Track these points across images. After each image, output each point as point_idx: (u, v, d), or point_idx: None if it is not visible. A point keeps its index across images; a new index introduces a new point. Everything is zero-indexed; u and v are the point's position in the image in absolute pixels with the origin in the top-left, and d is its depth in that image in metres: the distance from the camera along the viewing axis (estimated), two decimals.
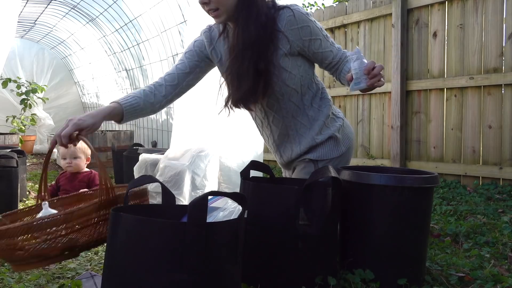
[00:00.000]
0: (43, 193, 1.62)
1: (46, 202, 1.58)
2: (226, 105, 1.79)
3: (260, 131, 2.03)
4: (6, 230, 1.33)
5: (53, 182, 2.93)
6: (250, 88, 1.68)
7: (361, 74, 1.52)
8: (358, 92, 4.58)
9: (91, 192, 2.00)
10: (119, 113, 1.67)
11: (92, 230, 1.41)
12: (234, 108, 1.78)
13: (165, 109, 5.58)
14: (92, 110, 8.63)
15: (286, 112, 1.83)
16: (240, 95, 1.71)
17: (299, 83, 1.78)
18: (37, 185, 4.31)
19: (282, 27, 1.67)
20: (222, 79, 1.89)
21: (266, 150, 4.12)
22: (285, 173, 2.12)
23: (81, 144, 2.85)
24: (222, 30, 1.79)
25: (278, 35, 1.67)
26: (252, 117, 1.99)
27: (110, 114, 1.64)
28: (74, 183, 2.78)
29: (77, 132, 1.52)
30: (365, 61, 1.53)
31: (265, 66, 1.67)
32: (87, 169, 2.91)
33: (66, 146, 1.52)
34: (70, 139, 1.50)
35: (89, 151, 2.90)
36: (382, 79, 1.53)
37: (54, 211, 1.54)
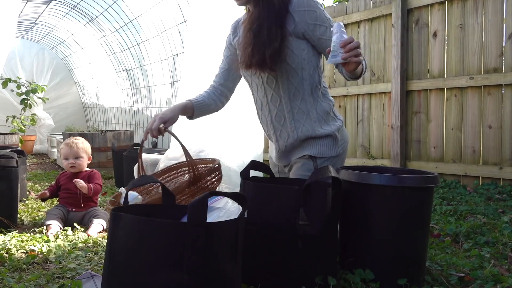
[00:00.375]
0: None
1: (123, 188, 1.76)
2: (247, 67, 1.84)
3: (259, 116, 2.03)
4: None
5: (53, 183, 2.94)
6: (275, 50, 1.74)
7: (338, 48, 1.51)
8: (358, 92, 4.59)
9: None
10: (191, 109, 1.94)
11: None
12: (249, 69, 1.86)
13: (164, 109, 5.58)
14: (92, 110, 8.59)
15: (284, 91, 1.86)
16: (257, 61, 1.77)
17: (300, 65, 1.82)
18: (37, 185, 4.31)
19: (290, 8, 1.77)
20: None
21: (266, 150, 4.12)
22: (278, 174, 2.12)
23: (83, 145, 2.85)
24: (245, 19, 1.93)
25: (287, 15, 1.78)
26: (254, 99, 2.01)
27: (184, 108, 1.92)
28: (74, 183, 2.79)
29: (163, 125, 1.82)
30: (345, 36, 1.53)
31: (285, 34, 1.78)
32: (87, 169, 2.91)
33: (157, 137, 1.84)
34: (159, 132, 1.82)
35: (90, 151, 2.91)
36: (360, 57, 1.55)
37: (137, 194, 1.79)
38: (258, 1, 1.78)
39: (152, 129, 1.81)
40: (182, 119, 2.99)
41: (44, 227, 2.54)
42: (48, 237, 2.39)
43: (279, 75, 1.83)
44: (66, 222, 2.69)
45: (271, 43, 1.74)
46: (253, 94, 2.01)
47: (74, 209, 2.76)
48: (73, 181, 2.74)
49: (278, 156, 2.03)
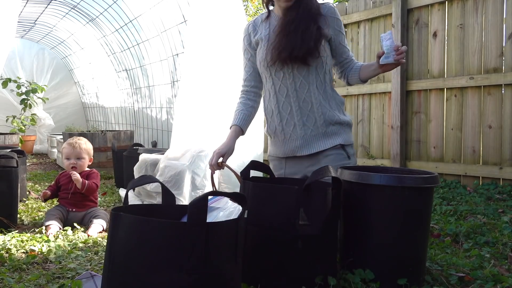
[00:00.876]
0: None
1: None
2: (283, 61, 1.99)
3: (279, 105, 2.07)
4: None
5: (53, 183, 2.93)
6: (313, 45, 1.95)
7: (391, 51, 1.83)
8: (358, 92, 4.58)
9: None
10: (240, 131, 2.11)
11: None
12: (288, 63, 1.99)
13: (166, 108, 5.59)
14: (92, 110, 8.58)
15: (312, 79, 2.02)
16: (304, 51, 1.95)
17: (326, 60, 2.03)
18: (37, 185, 4.31)
19: (324, 12, 2.02)
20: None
21: (266, 150, 4.12)
22: (284, 169, 2.13)
23: (86, 145, 2.85)
24: (267, 17, 2.11)
25: (321, 17, 2.02)
26: (274, 88, 2.07)
27: (236, 135, 2.09)
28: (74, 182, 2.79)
29: (221, 159, 2.00)
30: (394, 42, 1.85)
31: (321, 33, 2.00)
32: (87, 169, 2.92)
33: (213, 172, 2.01)
34: (218, 166, 2.00)
35: (92, 152, 2.92)
36: (403, 59, 1.86)
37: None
38: (299, 3, 1.98)
39: (212, 164, 1.99)
40: (182, 119, 2.97)
41: (44, 227, 2.54)
42: (48, 237, 2.39)
43: (311, 66, 2.02)
44: (66, 222, 2.69)
45: (310, 40, 1.94)
46: (273, 83, 2.07)
47: (74, 209, 2.76)
48: (70, 173, 2.73)
49: (298, 145, 2.05)
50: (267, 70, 2.06)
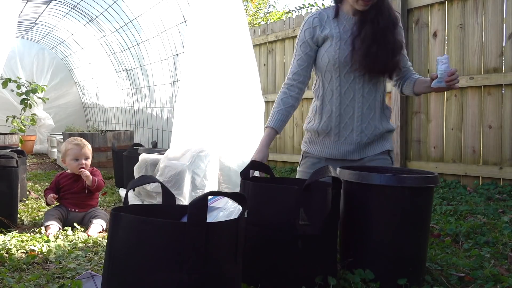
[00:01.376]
0: None
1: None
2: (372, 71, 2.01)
3: (342, 107, 2.06)
4: None
5: (52, 184, 2.91)
6: (399, 59, 2.02)
7: (445, 75, 1.85)
8: None
9: None
10: (275, 134, 2.07)
11: None
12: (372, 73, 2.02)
13: (166, 108, 5.59)
14: (92, 110, 8.57)
15: (379, 88, 2.07)
16: (393, 64, 2.00)
17: None
18: (37, 185, 4.31)
19: (398, 22, 2.06)
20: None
21: None
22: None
23: (86, 147, 2.83)
24: (335, 14, 2.07)
25: (398, 26, 2.05)
26: (340, 91, 2.06)
27: (270, 140, 2.06)
28: (80, 182, 2.79)
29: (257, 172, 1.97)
30: (450, 67, 1.86)
31: (402, 45, 2.06)
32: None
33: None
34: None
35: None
36: (457, 84, 1.87)
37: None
38: (382, 10, 1.97)
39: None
40: (182, 119, 2.97)
41: (43, 228, 2.53)
42: (47, 237, 2.39)
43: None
44: (66, 222, 2.69)
45: (397, 54, 2.00)
46: (339, 84, 2.05)
47: (76, 210, 2.76)
48: (79, 170, 2.73)
49: (351, 150, 2.07)
50: (337, 70, 2.03)
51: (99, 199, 3.57)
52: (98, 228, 2.56)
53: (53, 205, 2.79)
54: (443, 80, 1.86)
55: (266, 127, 2.07)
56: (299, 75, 2.10)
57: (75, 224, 2.64)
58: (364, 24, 1.98)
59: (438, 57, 1.89)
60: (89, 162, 2.84)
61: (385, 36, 1.96)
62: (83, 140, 2.89)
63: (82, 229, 2.60)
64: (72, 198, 2.79)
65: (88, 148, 2.85)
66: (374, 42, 1.95)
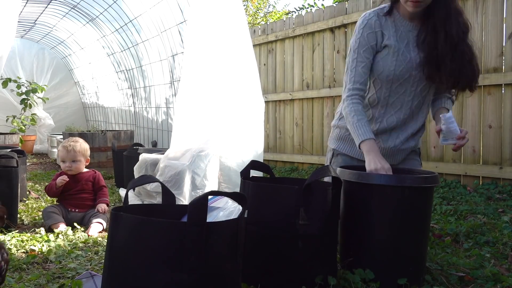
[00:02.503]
0: None
1: None
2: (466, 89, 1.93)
3: (385, 117, 2.00)
4: None
5: (52, 182, 2.91)
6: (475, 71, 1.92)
7: (453, 136, 1.83)
8: None
9: None
10: (375, 141, 1.89)
11: None
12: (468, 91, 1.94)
13: (164, 109, 5.59)
14: (92, 109, 8.56)
15: (428, 99, 2.02)
16: (476, 82, 1.92)
17: None
18: (37, 185, 4.31)
19: None
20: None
21: (266, 150, 4.12)
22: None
23: (80, 147, 2.82)
24: (389, 13, 1.93)
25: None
26: (388, 101, 1.98)
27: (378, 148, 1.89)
28: (80, 183, 2.80)
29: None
30: (456, 126, 1.83)
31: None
32: (87, 169, 2.91)
33: None
34: None
35: (88, 153, 2.89)
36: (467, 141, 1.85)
37: None
38: (450, 16, 1.83)
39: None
40: (182, 118, 2.97)
41: (47, 226, 2.54)
42: (54, 232, 2.42)
43: (432, 85, 1.99)
44: (66, 222, 2.69)
45: (472, 66, 1.89)
46: (389, 94, 1.97)
47: (76, 210, 2.76)
48: (97, 209, 2.73)
49: (382, 154, 1.97)
50: (389, 81, 1.93)
51: None
52: (98, 228, 2.56)
53: (51, 203, 2.80)
54: (448, 139, 1.85)
55: (366, 140, 1.84)
56: (364, 84, 1.94)
57: (75, 224, 2.64)
58: (435, 33, 1.84)
59: (443, 115, 1.83)
60: (78, 164, 2.80)
61: (458, 47, 1.84)
62: (77, 141, 2.86)
63: (82, 229, 2.60)
64: (71, 198, 2.79)
65: (75, 150, 2.80)
66: (448, 57, 1.83)
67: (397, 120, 1.99)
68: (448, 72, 1.85)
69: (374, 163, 1.77)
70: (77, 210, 2.76)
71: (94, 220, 2.60)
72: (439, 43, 1.84)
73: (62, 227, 2.52)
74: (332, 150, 2.18)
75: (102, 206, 2.75)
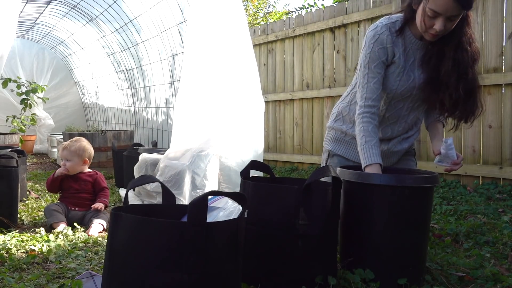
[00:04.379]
0: None
1: None
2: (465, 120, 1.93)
3: (380, 127, 2.01)
4: None
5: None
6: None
7: (449, 160, 1.90)
8: None
9: None
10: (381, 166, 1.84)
11: None
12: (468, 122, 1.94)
13: (164, 109, 5.59)
14: (92, 109, 8.56)
15: (421, 109, 2.03)
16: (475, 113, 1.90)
17: None
18: (37, 185, 4.31)
19: None
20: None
21: (266, 150, 4.12)
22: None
23: (76, 148, 2.80)
24: (400, 31, 1.88)
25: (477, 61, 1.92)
26: (385, 114, 1.99)
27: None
28: (79, 183, 2.81)
29: None
30: (454, 153, 1.89)
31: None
32: (89, 170, 2.91)
33: None
34: None
35: (86, 154, 2.85)
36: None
37: None
38: (462, 43, 1.81)
39: None
40: (182, 118, 2.96)
41: (48, 224, 2.54)
42: (54, 231, 2.43)
43: None
44: (67, 220, 2.69)
45: (473, 95, 1.86)
46: (386, 108, 1.98)
47: (76, 208, 2.77)
48: (92, 207, 2.73)
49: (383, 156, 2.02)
50: (388, 97, 1.94)
51: None
52: (99, 228, 2.56)
53: (51, 203, 2.80)
54: (443, 161, 1.92)
55: (371, 164, 1.80)
56: (377, 101, 1.89)
57: (75, 224, 2.64)
58: (444, 59, 1.82)
59: (445, 141, 1.89)
60: (71, 163, 2.79)
61: (467, 74, 1.81)
62: (77, 142, 2.86)
63: (82, 229, 2.60)
64: (71, 197, 2.79)
65: (70, 150, 2.79)
66: (452, 81, 1.80)
67: (391, 131, 2.03)
68: (448, 98, 1.82)
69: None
70: (76, 208, 2.77)
71: (95, 221, 2.60)
72: (443, 67, 1.81)
73: (61, 226, 2.52)
74: (328, 151, 2.19)
75: (97, 204, 2.74)
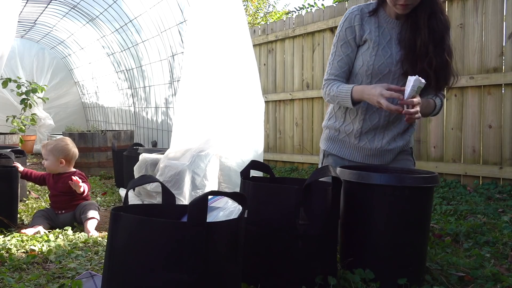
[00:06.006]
0: None
1: None
2: (442, 87, 1.94)
3: (368, 113, 2.01)
4: None
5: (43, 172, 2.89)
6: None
7: (411, 92, 1.74)
8: None
9: None
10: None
11: None
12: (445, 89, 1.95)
13: (164, 109, 5.58)
14: (92, 109, 8.56)
15: None
16: (447, 70, 1.90)
17: None
18: (37, 185, 4.31)
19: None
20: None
21: (266, 150, 4.12)
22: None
23: (52, 147, 2.72)
24: (374, 11, 1.96)
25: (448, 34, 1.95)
26: None
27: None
28: (58, 184, 2.75)
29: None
30: (408, 91, 1.73)
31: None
32: (73, 170, 2.82)
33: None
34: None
35: (62, 154, 2.75)
36: (416, 116, 1.74)
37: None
38: (435, 13, 1.85)
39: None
40: (182, 118, 2.96)
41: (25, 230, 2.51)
42: (24, 234, 2.41)
43: None
44: (57, 224, 2.66)
45: (451, 60, 1.91)
46: (380, 82, 1.97)
47: (63, 212, 2.72)
48: (69, 182, 2.66)
49: (370, 154, 2.03)
50: (369, 76, 1.96)
51: (99, 198, 3.57)
52: (93, 223, 2.56)
53: (50, 203, 2.79)
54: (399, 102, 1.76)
55: (351, 90, 1.89)
56: (340, 77, 2.00)
57: (68, 228, 2.60)
58: (418, 30, 1.86)
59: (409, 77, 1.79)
60: (47, 162, 2.75)
61: (443, 41, 1.86)
62: (56, 141, 2.80)
63: (81, 229, 2.60)
64: (56, 201, 2.75)
65: (47, 149, 2.75)
66: (433, 48, 1.84)
67: (379, 117, 2.00)
68: (427, 67, 1.85)
69: (374, 89, 1.79)
70: (63, 211, 2.72)
71: (87, 217, 2.57)
72: (419, 39, 1.85)
73: (30, 230, 2.48)
74: (323, 151, 2.21)
75: (75, 178, 2.64)
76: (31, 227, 2.53)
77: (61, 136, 3.00)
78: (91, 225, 2.53)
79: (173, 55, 5.10)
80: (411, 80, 1.73)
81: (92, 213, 2.61)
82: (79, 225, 2.67)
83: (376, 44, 1.93)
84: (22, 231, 2.47)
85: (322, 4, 7.28)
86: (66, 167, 2.78)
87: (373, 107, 1.97)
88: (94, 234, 2.47)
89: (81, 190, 2.67)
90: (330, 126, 2.15)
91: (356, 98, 1.89)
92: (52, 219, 2.68)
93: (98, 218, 2.62)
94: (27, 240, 2.32)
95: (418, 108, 1.75)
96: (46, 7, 6.78)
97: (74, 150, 2.84)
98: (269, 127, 5.47)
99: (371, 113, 2.01)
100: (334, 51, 2.01)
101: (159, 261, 1.15)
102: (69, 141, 2.84)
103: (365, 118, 2.01)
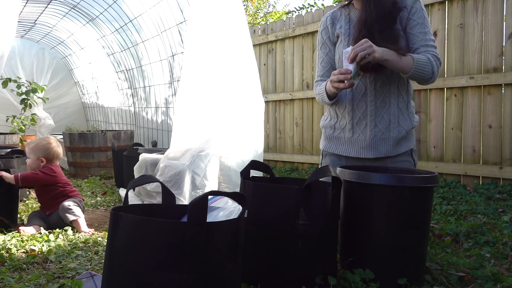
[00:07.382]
0: None
1: None
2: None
3: (354, 102, 2.03)
4: None
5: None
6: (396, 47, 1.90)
7: (347, 64, 1.80)
8: None
9: None
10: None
11: None
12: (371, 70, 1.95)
13: (164, 109, 5.58)
14: (92, 109, 8.55)
15: (394, 79, 1.99)
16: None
17: None
18: None
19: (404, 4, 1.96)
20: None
21: (266, 150, 4.12)
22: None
23: (33, 145, 2.71)
24: (345, 6, 2.10)
25: (397, 13, 1.96)
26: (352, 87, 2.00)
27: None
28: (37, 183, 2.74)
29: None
30: (345, 63, 1.80)
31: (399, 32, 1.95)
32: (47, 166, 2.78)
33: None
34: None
35: (41, 153, 2.74)
36: (364, 52, 1.76)
37: None
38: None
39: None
40: (182, 118, 2.96)
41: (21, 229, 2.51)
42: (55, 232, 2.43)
43: None
44: (50, 225, 2.65)
45: (392, 43, 1.90)
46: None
47: (48, 212, 2.71)
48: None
49: (364, 146, 2.02)
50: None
51: (99, 198, 3.57)
52: (82, 222, 2.57)
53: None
54: (349, 66, 1.81)
55: (325, 85, 2.03)
56: (326, 77, 2.12)
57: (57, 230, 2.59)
58: (360, 14, 1.98)
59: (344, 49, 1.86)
60: (29, 160, 2.75)
61: (378, 24, 1.90)
62: (40, 140, 2.80)
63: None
64: (41, 202, 2.75)
65: (29, 147, 2.75)
66: (366, 32, 1.90)
67: (365, 104, 2.01)
68: (377, 36, 1.88)
69: (330, 79, 1.89)
70: (49, 212, 2.71)
71: (69, 219, 2.56)
72: (368, 13, 1.91)
73: (28, 230, 2.49)
74: (321, 151, 2.23)
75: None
76: (28, 227, 2.53)
77: (48, 135, 2.98)
78: (81, 224, 2.53)
79: (173, 55, 5.10)
80: (346, 51, 1.81)
81: (72, 215, 2.58)
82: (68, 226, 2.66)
83: (346, 36, 2.04)
84: (21, 228, 2.47)
85: (322, 4, 7.28)
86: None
87: (358, 95, 2.01)
88: (87, 230, 2.50)
89: (13, 181, 2.60)
90: (325, 125, 2.18)
91: (328, 92, 2.01)
92: (44, 220, 2.67)
93: (80, 215, 2.60)
94: (27, 240, 2.32)
95: (362, 52, 1.76)
96: (46, 7, 6.78)
97: (57, 149, 2.81)
98: (269, 127, 5.47)
99: (357, 102, 2.03)
100: (318, 54, 2.17)
101: (159, 261, 1.15)
102: (52, 140, 2.83)
103: (353, 108, 2.03)
